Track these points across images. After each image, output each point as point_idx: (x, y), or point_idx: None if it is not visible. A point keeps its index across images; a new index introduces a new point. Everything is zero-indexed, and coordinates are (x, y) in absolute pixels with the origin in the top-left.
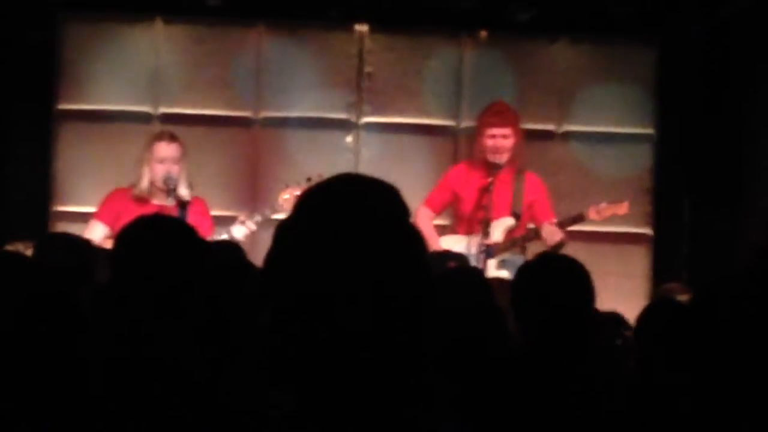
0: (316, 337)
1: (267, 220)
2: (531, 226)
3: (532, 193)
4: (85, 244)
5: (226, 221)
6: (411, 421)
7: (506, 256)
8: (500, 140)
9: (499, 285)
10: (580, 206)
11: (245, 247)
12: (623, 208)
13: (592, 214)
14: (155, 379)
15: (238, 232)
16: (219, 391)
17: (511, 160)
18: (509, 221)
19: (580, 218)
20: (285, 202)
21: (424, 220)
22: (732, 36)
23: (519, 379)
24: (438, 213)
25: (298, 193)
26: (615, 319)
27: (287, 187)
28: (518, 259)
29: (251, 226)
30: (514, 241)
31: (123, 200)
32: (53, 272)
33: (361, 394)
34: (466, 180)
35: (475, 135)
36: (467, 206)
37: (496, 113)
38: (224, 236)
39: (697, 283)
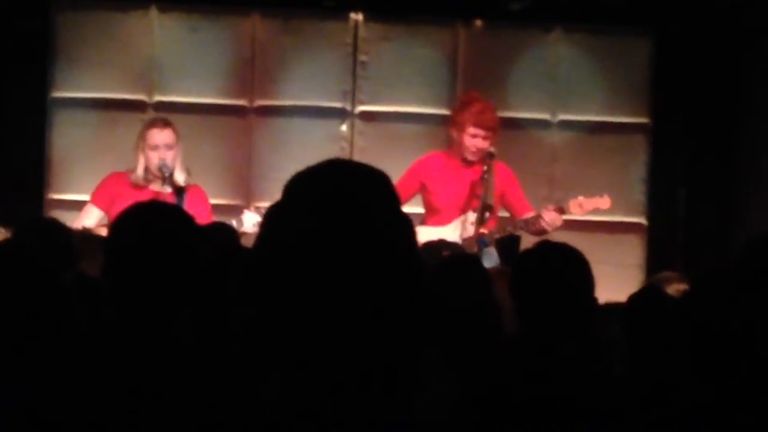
0: (304, 324)
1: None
2: (530, 214)
3: (502, 182)
4: (66, 230)
5: (221, 209)
6: (403, 411)
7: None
8: (480, 141)
9: (497, 274)
10: (570, 197)
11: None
12: (605, 203)
13: (573, 207)
14: (148, 365)
15: (248, 221)
16: (212, 378)
17: (480, 158)
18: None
19: (560, 212)
20: None
21: None
22: (727, 25)
23: (517, 367)
24: (403, 203)
25: None
26: (608, 308)
27: None
28: (493, 251)
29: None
30: (512, 228)
31: (119, 185)
32: (35, 257)
33: (350, 382)
34: (437, 170)
35: (453, 125)
36: (436, 197)
37: (480, 113)
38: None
39: (691, 272)
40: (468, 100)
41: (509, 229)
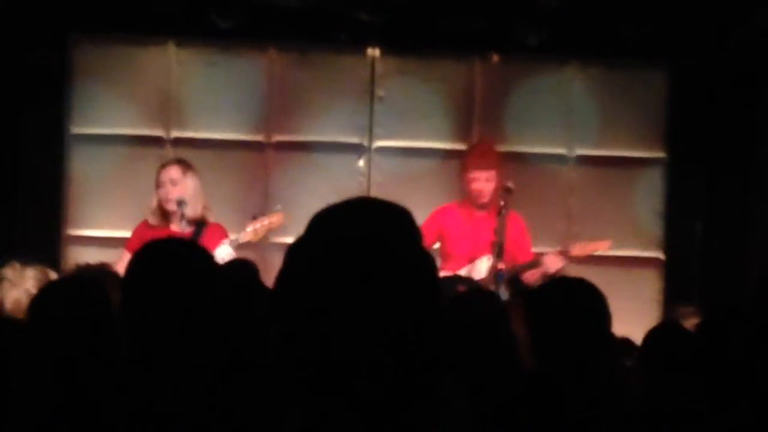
0: (325, 358)
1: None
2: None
3: (514, 231)
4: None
5: (238, 245)
6: None
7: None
8: (482, 183)
9: (514, 309)
10: (591, 231)
11: None
12: (604, 246)
13: (575, 249)
14: (167, 401)
15: (220, 253)
16: (229, 413)
17: (492, 200)
18: (492, 259)
19: (562, 254)
20: (248, 234)
21: None
22: (743, 59)
23: (534, 402)
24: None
25: (266, 222)
26: (624, 342)
27: (254, 218)
28: (503, 294)
29: (231, 248)
30: (516, 268)
31: (144, 229)
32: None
33: (370, 417)
34: (452, 219)
35: (460, 174)
36: (450, 244)
37: (479, 155)
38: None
39: (708, 307)
40: (470, 147)
41: (516, 268)
